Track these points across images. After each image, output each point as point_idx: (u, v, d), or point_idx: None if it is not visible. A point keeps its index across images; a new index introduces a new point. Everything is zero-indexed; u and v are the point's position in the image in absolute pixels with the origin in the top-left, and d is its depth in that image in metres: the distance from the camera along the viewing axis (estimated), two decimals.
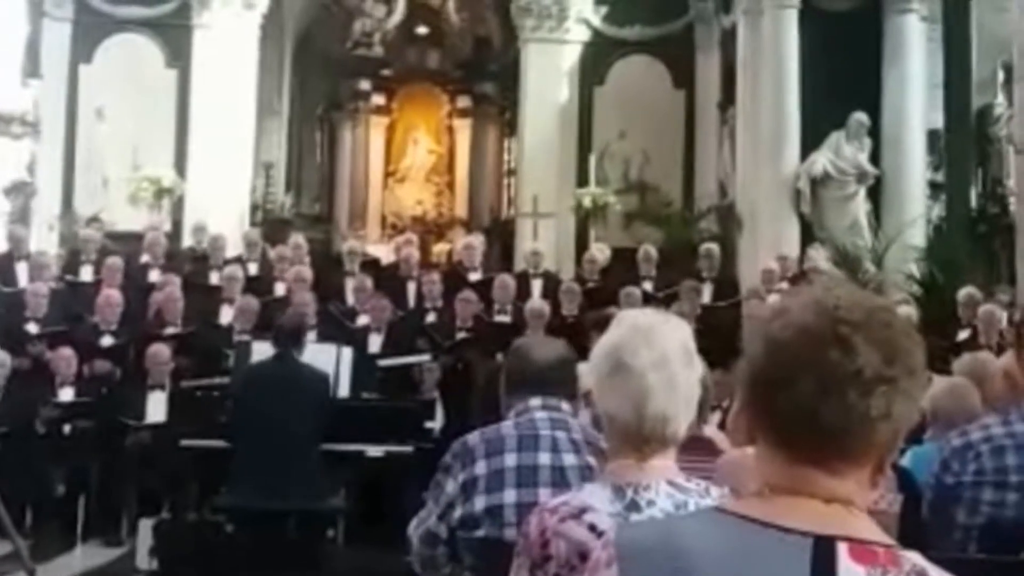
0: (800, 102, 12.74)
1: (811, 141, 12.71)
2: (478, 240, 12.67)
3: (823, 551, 1.28)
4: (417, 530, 3.23)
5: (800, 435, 1.34)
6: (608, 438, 2.35)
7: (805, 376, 1.32)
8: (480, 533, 3.06)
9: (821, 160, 12.59)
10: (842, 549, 1.29)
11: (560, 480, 3.02)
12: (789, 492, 1.34)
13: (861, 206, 12.65)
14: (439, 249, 17.38)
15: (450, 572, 3.23)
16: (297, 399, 6.63)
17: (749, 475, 1.43)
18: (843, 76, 12.62)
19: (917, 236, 12.46)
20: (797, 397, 1.33)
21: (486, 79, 19.42)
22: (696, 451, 3.32)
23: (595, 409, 2.39)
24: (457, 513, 3.09)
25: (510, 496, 3.05)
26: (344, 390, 8.13)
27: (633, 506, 2.22)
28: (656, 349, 2.22)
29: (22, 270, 10.80)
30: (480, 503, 3.06)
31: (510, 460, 3.09)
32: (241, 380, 7.53)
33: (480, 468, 3.09)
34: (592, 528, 2.20)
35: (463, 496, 3.08)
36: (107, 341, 9.55)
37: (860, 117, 12.64)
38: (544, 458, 3.09)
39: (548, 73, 15.15)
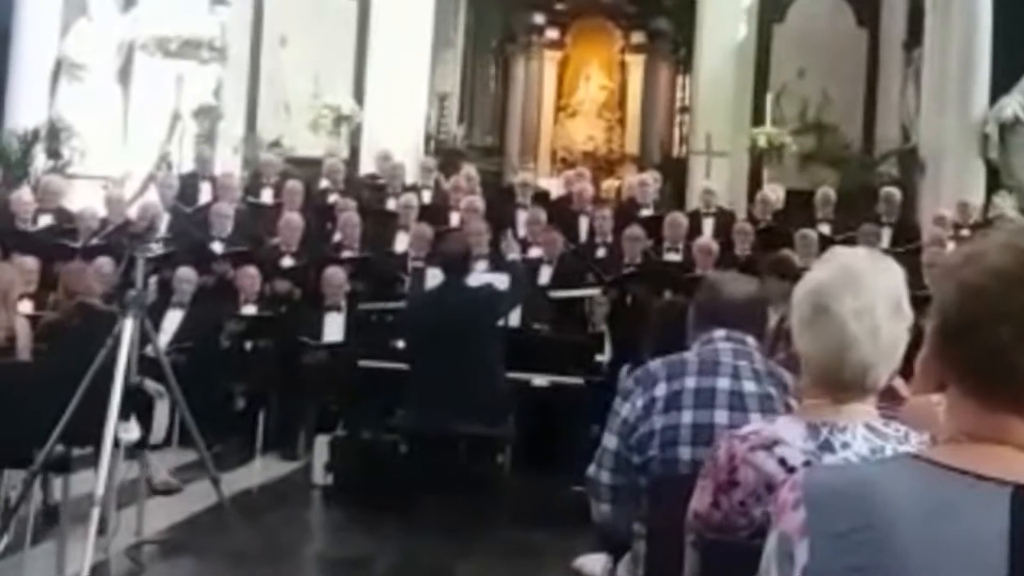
0: (991, 43, 12.22)
1: (1001, 84, 12.22)
2: (652, 177, 12.58)
3: (1022, 500, 1.24)
4: (601, 463, 3.24)
5: (997, 382, 1.30)
6: (805, 378, 2.29)
7: (1003, 322, 1.28)
8: (654, 452, 3.08)
9: (1011, 104, 12.13)
10: None
11: (738, 404, 3.04)
12: (985, 440, 1.30)
13: None
14: (608, 185, 17.30)
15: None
16: (466, 323, 6.70)
17: (935, 423, 1.41)
18: None
19: None
20: (994, 343, 1.28)
21: (661, 15, 19.11)
22: (879, 397, 3.27)
23: (793, 348, 2.31)
24: (637, 434, 3.12)
25: (687, 416, 3.06)
26: (515, 320, 8.23)
27: (827, 446, 2.17)
28: (863, 296, 2.11)
29: (206, 190, 11.20)
30: (659, 422, 3.08)
31: (690, 383, 3.11)
32: (412, 306, 7.69)
33: (660, 390, 3.11)
34: (782, 462, 2.19)
35: (644, 416, 3.11)
36: (287, 262, 9.84)
37: None
38: (723, 383, 3.09)
39: (726, 9, 14.89)
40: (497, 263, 9.38)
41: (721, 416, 3.01)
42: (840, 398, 2.18)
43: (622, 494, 3.22)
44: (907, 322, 2.15)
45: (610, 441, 3.20)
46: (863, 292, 2.12)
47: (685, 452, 3.02)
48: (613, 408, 3.23)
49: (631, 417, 3.14)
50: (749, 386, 3.08)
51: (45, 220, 10.21)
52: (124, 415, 5.34)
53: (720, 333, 3.21)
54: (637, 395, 3.15)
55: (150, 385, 6.21)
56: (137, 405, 5.79)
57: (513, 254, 8.36)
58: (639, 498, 3.16)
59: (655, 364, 3.20)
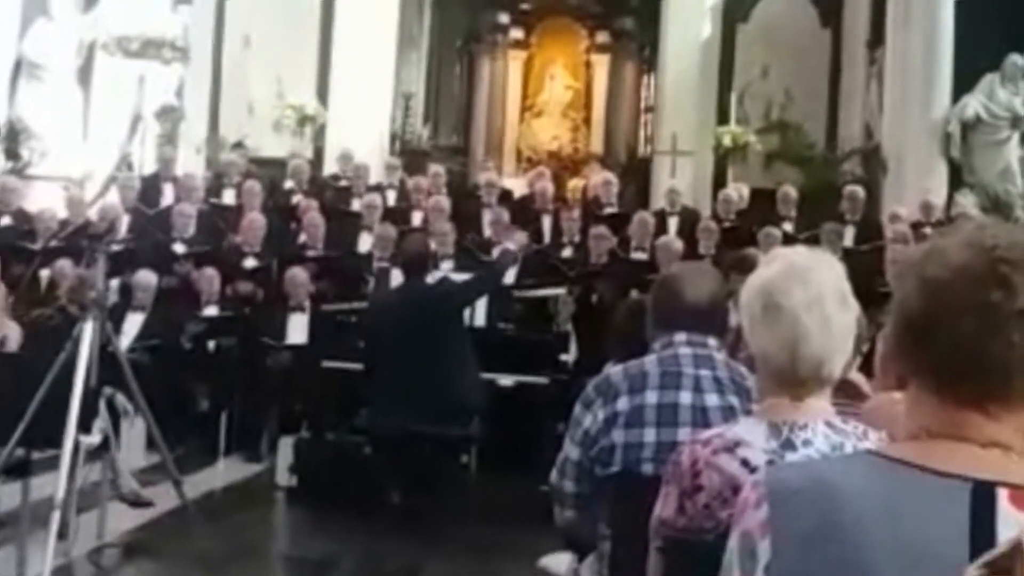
0: (954, 43, 12.28)
1: (964, 84, 12.26)
2: (615, 177, 12.61)
3: (982, 496, 1.24)
4: (564, 472, 3.21)
5: (959, 378, 1.29)
6: (761, 377, 2.31)
7: (965, 318, 1.28)
8: (615, 468, 3.04)
9: (973, 103, 12.16)
10: (1002, 495, 1.24)
11: (701, 420, 2.99)
12: (946, 436, 1.30)
13: (1014, 152, 12.16)
14: (574, 185, 17.31)
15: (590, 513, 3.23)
16: (427, 322, 6.67)
17: (897, 421, 1.39)
18: (1000, 16, 12.12)
19: None
20: (956, 339, 1.28)
21: (626, 14, 19.12)
22: (841, 393, 3.25)
23: (748, 349, 2.33)
24: (597, 447, 3.08)
25: (650, 434, 3.02)
26: (480, 320, 8.21)
27: (788, 444, 2.18)
28: (811, 289, 2.15)
29: (168, 191, 11.11)
30: (620, 437, 3.04)
31: (651, 397, 3.06)
32: (373, 307, 7.66)
33: (622, 404, 3.07)
34: (745, 463, 2.19)
35: (605, 429, 3.07)
36: (251, 263, 9.78)
37: (1016, 59, 12.13)
38: (685, 397, 3.05)
39: (690, 9, 14.89)
40: (463, 263, 9.37)
41: (684, 434, 2.95)
42: (797, 393, 2.20)
43: (585, 500, 3.20)
44: (854, 313, 2.20)
45: (572, 451, 3.17)
46: (811, 284, 2.16)
47: (648, 468, 2.98)
48: (574, 416, 3.18)
49: (592, 429, 3.10)
50: (711, 399, 3.05)
51: (4, 222, 10.12)
52: (85, 422, 5.29)
53: (681, 337, 3.15)
54: (597, 407, 3.10)
55: (120, 400, 6.15)
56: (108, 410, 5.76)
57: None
58: (603, 502, 3.14)
59: (616, 374, 3.15)
